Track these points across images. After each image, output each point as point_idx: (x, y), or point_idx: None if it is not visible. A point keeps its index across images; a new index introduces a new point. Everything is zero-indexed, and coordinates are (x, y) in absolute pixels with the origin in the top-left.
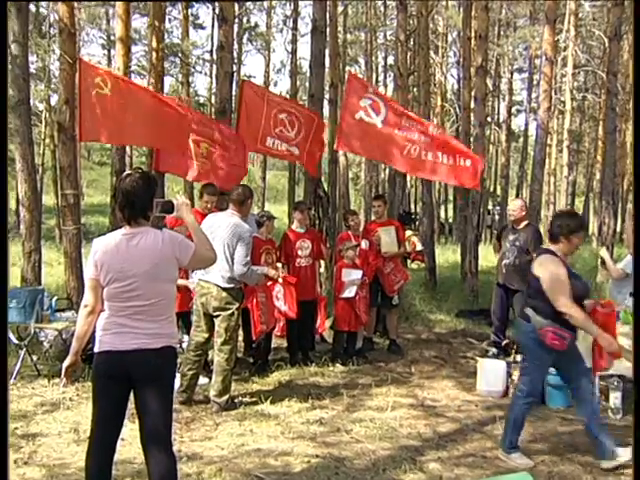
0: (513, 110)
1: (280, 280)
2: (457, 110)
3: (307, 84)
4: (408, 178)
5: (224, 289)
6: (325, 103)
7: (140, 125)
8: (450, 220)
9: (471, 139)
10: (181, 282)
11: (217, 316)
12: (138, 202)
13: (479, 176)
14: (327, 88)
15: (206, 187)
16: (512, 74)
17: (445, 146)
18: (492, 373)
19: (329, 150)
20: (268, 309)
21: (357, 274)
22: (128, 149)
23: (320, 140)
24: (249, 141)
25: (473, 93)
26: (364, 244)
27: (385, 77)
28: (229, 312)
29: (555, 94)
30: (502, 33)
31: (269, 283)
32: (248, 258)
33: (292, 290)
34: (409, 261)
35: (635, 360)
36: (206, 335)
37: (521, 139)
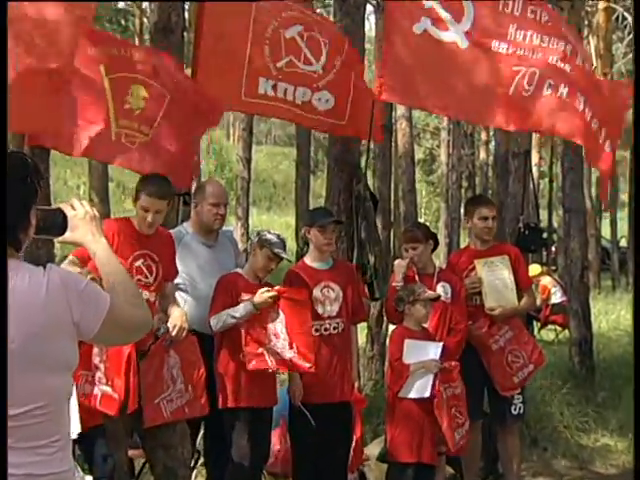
0: None
1: (266, 295)
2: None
3: None
4: (534, 160)
5: None
6: (368, 11)
7: None
8: (622, 242)
9: None
10: None
11: None
12: None
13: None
14: None
15: (150, 181)
16: None
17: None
18: None
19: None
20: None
21: (433, 350)
22: None
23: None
24: (223, 91)
25: None
26: (442, 291)
27: None
28: None
29: None
30: None
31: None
32: None
33: (305, 314)
34: (536, 324)
35: (635, 359)
36: None
37: None
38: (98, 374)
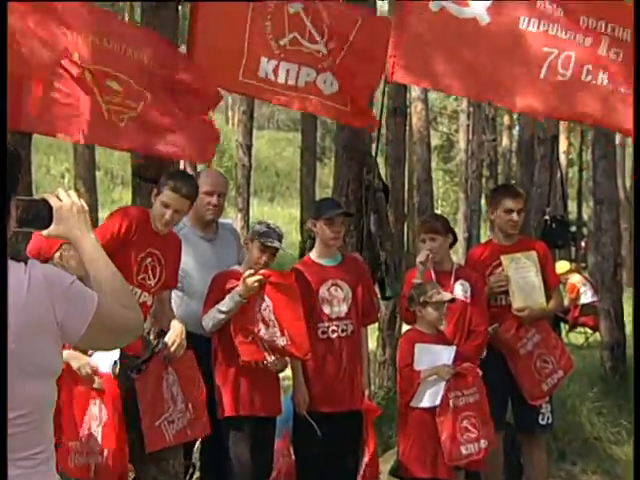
0: None
1: (250, 280)
2: None
3: None
4: (562, 146)
5: None
6: None
7: None
8: None
9: None
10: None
11: None
12: None
13: None
14: None
15: (176, 176)
16: None
17: None
18: None
19: (383, 87)
20: None
21: (447, 354)
22: None
23: (375, 54)
24: (220, 70)
25: None
26: (461, 290)
27: None
28: None
29: None
30: None
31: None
32: None
33: (294, 299)
34: (564, 326)
35: (635, 358)
36: None
37: None
38: (91, 443)
